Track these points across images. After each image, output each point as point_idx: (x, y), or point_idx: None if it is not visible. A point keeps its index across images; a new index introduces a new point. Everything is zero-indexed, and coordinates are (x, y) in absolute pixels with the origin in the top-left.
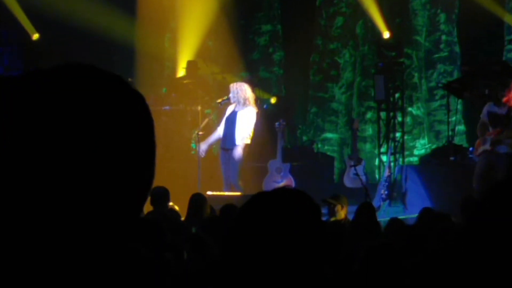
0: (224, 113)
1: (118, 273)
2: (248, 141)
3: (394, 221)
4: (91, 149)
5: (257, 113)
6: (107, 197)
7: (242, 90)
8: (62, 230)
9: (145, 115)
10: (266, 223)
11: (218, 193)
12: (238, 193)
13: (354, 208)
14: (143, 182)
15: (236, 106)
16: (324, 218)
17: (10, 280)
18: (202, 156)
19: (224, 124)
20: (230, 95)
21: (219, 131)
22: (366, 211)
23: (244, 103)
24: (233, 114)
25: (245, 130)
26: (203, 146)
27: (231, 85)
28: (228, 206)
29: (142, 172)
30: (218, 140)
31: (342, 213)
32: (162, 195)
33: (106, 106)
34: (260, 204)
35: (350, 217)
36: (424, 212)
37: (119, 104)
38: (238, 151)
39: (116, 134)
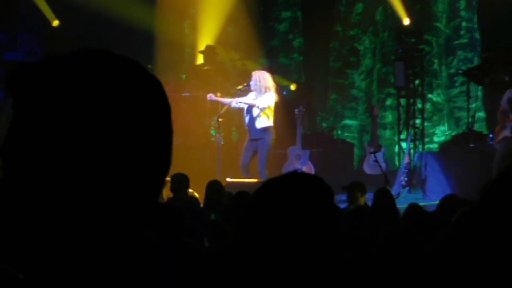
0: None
1: (133, 260)
2: (270, 118)
3: (413, 207)
4: (109, 135)
5: (276, 102)
6: (124, 183)
7: (264, 79)
8: (80, 215)
9: (162, 101)
10: (278, 207)
11: (237, 179)
12: (257, 180)
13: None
14: (160, 167)
15: (256, 94)
16: (343, 205)
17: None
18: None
19: (246, 114)
20: (251, 82)
21: (233, 103)
22: (383, 197)
23: (265, 92)
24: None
25: (262, 103)
26: (214, 97)
27: (253, 72)
28: (242, 192)
29: (159, 158)
30: (239, 127)
31: (362, 200)
32: (182, 182)
33: (123, 91)
34: (272, 189)
35: (369, 204)
36: (448, 199)
37: (136, 90)
38: (265, 143)
39: (133, 120)
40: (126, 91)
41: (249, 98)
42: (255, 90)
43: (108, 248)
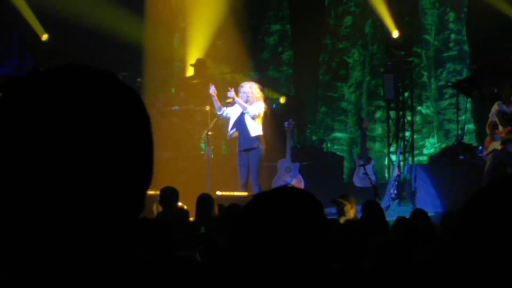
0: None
1: (117, 273)
2: (260, 123)
3: (400, 220)
4: (87, 148)
5: (266, 112)
6: (105, 194)
7: (253, 90)
8: (61, 229)
9: (140, 112)
10: (268, 221)
11: (227, 193)
12: (247, 193)
13: None
14: (141, 178)
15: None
16: (334, 218)
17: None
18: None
19: (237, 126)
20: (241, 93)
21: (224, 110)
22: (371, 209)
23: (252, 102)
24: (241, 115)
25: (253, 110)
26: (214, 90)
27: (243, 84)
28: (234, 205)
29: (139, 169)
30: (231, 140)
31: (351, 212)
32: (171, 195)
33: (100, 105)
34: (262, 203)
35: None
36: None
37: (113, 103)
38: (258, 153)
39: (111, 132)
40: (103, 105)
41: (238, 108)
42: (245, 100)
43: (89, 260)
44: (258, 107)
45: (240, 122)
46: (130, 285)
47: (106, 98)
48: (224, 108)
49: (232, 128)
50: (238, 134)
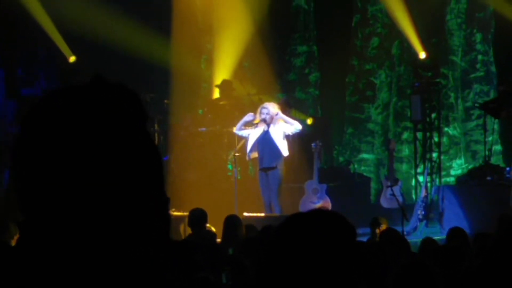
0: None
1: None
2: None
3: (427, 241)
4: (98, 166)
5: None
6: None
7: (275, 109)
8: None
9: (146, 135)
10: (302, 245)
11: (254, 214)
12: (275, 214)
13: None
14: (153, 197)
15: (266, 126)
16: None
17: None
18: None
19: (258, 145)
20: (264, 115)
21: (242, 132)
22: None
23: (276, 122)
24: (265, 133)
25: (284, 143)
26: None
27: (265, 104)
28: (268, 227)
29: (150, 187)
30: (254, 161)
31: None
32: (200, 217)
33: (114, 124)
34: (295, 226)
35: None
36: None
37: (123, 121)
38: (277, 173)
39: (123, 151)
40: (116, 123)
41: (259, 130)
42: (269, 120)
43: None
44: (285, 127)
45: (264, 141)
46: None
47: (119, 115)
48: (244, 128)
49: (251, 150)
50: (257, 155)
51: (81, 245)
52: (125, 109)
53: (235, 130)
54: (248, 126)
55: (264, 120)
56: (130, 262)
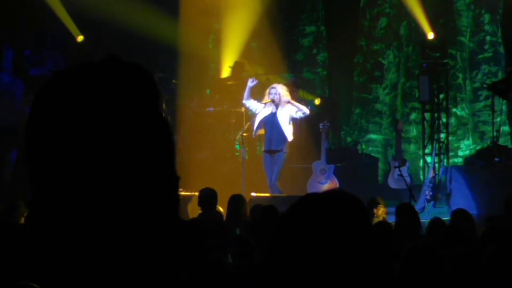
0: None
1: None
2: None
3: (435, 222)
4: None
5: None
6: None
7: (284, 91)
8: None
9: (160, 116)
10: (316, 226)
11: (262, 194)
12: (282, 195)
13: None
14: (165, 178)
15: (274, 107)
16: None
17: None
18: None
19: (265, 126)
20: (272, 95)
21: (250, 103)
22: (406, 212)
23: (284, 104)
24: (273, 115)
25: (290, 128)
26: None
27: (274, 85)
28: (270, 207)
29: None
30: (263, 141)
31: (381, 214)
32: (210, 197)
33: (130, 102)
34: (310, 207)
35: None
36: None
37: (140, 100)
38: (282, 156)
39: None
40: (132, 102)
41: (268, 109)
42: (277, 101)
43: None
44: (294, 110)
45: (271, 123)
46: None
47: (136, 95)
48: (252, 99)
49: (258, 127)
50: (264, 133)
51: (90, 224)
52: (139, 87)
53: (243, 100)
54: (257, 103)
55: (273, 101)
56: (140, 240)
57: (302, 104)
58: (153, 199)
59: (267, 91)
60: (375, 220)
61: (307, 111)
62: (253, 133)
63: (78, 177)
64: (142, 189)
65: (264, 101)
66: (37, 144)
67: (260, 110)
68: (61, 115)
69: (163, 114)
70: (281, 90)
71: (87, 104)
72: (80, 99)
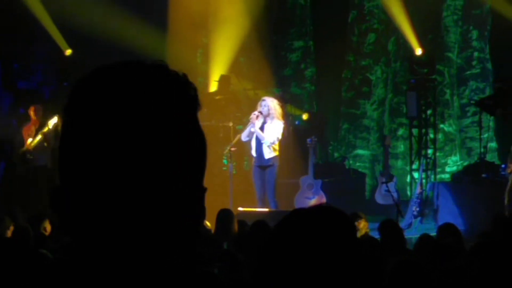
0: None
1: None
2: (276, 152)
3: (424, 238)
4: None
5: (284, 127)
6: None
7: (275, 105)
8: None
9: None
10: (303, 241)
11: (249, 209)
12: (268, 209)
13: None
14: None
15: (264, 120)
16: None
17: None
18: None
19: (255, 141)
20: (262, 107)
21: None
22: (389, 228)
23: (273, 118)
24: (261, 128)
25: (271, 136)
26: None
27: (265, 97)
28: (259, 222)
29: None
30: (250, 156)
31: (364, 228)
32: None
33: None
34: (296, 222)
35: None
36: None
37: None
38: (274, 170)
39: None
40: (171, 110)
41: (258, 126)
42: (266, 114)
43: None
44: (277, 131)
45: (258, 140)
46: None
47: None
48: (248, 138)
49: (248, 136)
50: (254, 151)
51: (123, 233)
52: (184, 97)
53: (242, 138)
54: (249, 128)
55: (261, 112)
56: (164, 250)
57: (290, 119)
58: (179, 207)
59: (259, 103)
60: (358, 234)
61: (269, 141)
62: (243, 137)
63: (109, 177)
64: (170, 196)
65: (252, 116)
66: (73, 145)
67: (254, 124)
68: (106, 113)
69: (201, 126)
70: (270, 103)
71: (133, 104)
72: (126, 99)
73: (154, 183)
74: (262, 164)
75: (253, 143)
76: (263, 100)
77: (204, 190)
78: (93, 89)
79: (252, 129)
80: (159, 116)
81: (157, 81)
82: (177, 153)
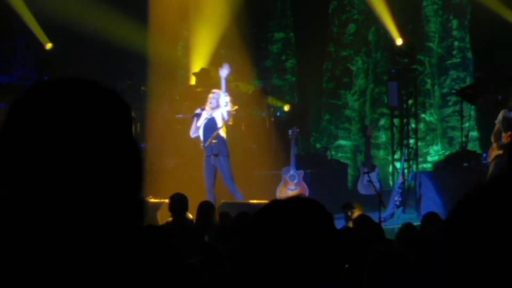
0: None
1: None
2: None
3: (407, 227)
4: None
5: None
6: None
7: (219, 97)
8: (63, 229)
9: (125, 117)
10: (280, 232)
11: (232, 201)
12: (253, 201)
13: (370, 215)
14: (133, 177)
15: (210, 111)
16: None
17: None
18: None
19: (203, 131)
20: (211, 101)
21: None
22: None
23: (218, 107)
24: (211, 119)
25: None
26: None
27: (214, 91)
28: (242, 214)
29: (130, 167)
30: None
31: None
32: (181, 202)
33: (95, 119)
34: (274, 213)
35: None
36: (429, 217)
37: (100, 110)
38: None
39: (103, 136)
40: (98, 118)
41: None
42: (215, 106)
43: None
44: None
45: (208, 128)
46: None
47: (94, 106)
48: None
49: (196, 131)
50: (202, 142)
51: (53, 233)
52: (113, 112)
53: (191, 135)
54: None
55: (210, 104)
56: (102, 249)
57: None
58: (115, 214)
59: (210, 96)
60: (350, 223)
61: (229, 118)
62: (192, 135)
63: (46, 185)
64: (106, 206)
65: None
66: (9, 152)
67: (200, 117)
68: (38, 126)
69: (135, 139)
70: (217, 96)
71: (65, 120)
72: (57, 115)
73: (80, 189)
74: (214, 153)
75: (201, 134)
76: (212, 93)
77: (141, 200)
78: (29, 103)
79: (199, 124)
80: (85, 124)
81: (89, 96)
82: (104, 163)
